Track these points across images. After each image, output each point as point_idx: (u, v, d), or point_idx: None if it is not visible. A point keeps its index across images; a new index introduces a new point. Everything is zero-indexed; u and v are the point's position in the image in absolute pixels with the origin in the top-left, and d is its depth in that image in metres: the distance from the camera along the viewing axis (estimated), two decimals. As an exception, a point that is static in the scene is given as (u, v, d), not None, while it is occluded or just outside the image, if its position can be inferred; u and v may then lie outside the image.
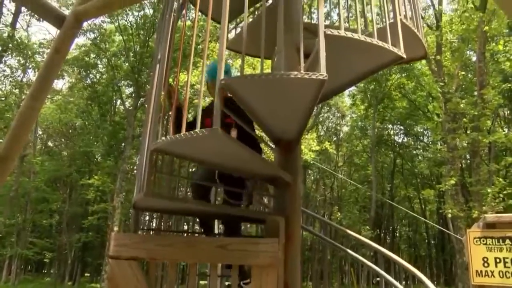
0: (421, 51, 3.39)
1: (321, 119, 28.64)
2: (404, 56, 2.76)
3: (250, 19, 4.32)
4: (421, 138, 30.76)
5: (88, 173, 28.76)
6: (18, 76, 24.43)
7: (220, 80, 2.30)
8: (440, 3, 20.35)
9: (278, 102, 2.53)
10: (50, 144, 35.12)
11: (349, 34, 2.44)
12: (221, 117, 2.27)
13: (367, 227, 24.39)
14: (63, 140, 32.19)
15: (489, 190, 15.69)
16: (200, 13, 3.86)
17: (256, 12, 4.50)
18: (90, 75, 26.44)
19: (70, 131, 30.86)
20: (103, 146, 26.29)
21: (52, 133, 32.40)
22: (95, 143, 28.06)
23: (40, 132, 32.60)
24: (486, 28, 17.32)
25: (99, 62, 26.17)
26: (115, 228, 20.36)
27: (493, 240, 3.89)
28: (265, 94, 2.44)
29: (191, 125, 2.70)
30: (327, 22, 19.78)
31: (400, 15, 2.92)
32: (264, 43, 2.99)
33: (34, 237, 31.31)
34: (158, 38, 3.27)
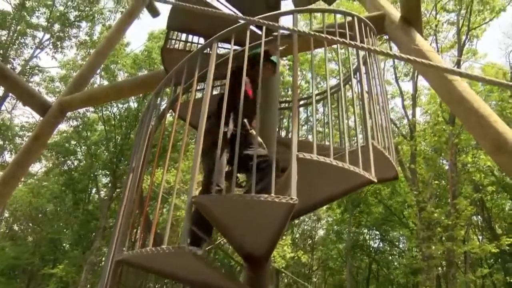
0: (392, 172, 3.48)
1: (296, 221, 28.40)
2: (375, 180, 2.82)
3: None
4: (397, 243, 30.55)
5: (52, 262, 27.30)
6: (-7, 157, 24.16)
7: (192, 197, 2.30)
8: (414, 114, 21.44)
9: (248, 221, 2.52)
10: (15, 227, 33.55)
11: (321, 159, 2.50)
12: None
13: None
14: (30, 224, 30.87)
15: (467, 303, 15.35)
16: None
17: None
18: (68, 161, 26.23)
19: (40, 215, 29.75)
20: (73, 235, 25.29)
21: (19, 216, 31.08)
22: (65, 230, 27.01)
23: (6, 215, 31.31)
24: (456, 140, 18.17)
25: (78, 149, 26.12)
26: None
27: None
28: (236, 213, 2.44)
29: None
30: (305, 127, 20.51)
31: (372, 139, 3.02)
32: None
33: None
34: (135, 146, 3.29)
